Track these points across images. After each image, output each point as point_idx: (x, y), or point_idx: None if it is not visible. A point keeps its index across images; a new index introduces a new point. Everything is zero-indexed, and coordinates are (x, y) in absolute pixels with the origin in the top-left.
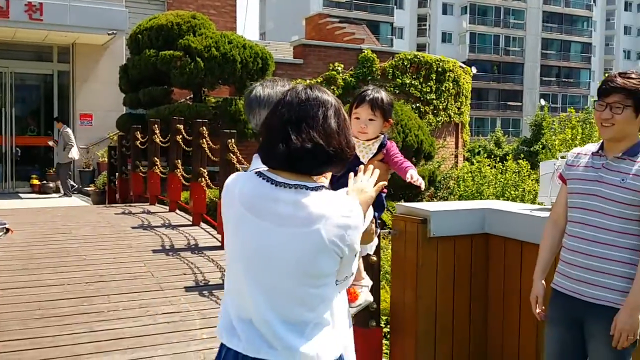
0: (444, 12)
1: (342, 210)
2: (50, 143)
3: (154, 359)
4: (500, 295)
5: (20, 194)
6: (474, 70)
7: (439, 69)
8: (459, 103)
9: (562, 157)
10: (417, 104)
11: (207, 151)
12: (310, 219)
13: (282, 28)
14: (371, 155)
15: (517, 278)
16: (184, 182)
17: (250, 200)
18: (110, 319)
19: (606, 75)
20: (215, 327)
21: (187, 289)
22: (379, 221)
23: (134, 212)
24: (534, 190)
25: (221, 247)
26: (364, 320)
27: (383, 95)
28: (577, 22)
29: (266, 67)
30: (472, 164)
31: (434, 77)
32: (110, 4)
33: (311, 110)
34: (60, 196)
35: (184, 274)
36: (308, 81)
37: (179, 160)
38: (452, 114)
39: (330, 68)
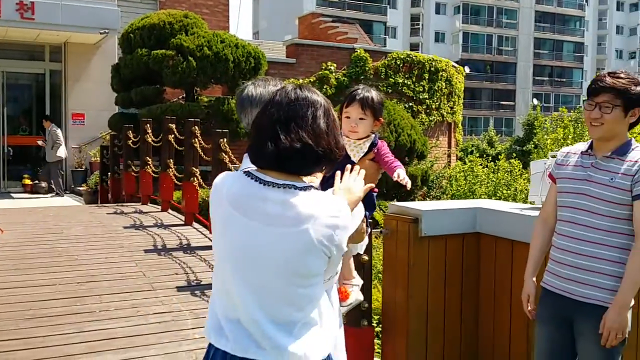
0: (437, 12)
1: (330, 210)
2: (39, 142)
3: (145, 359)
4: (492, 294)
5: (12, 194)
6: (466, 69)
7: (432, 69)
8: (452, 102)
9: (553, 157)
10: (410, 104)
11: (200, 151)
12: (299, 219)
13: (275, 27)
14: (362, 154)
15: (508, 277)
16: (176, 181)
17: (238, 200)
18: (102, 319)
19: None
20: None
21: (179, 288)
22: (369, 220)
23: (126, 212)
24: (526, 190)
25: None
26: (356, 320)
27: (373, 94)
28: (569, 21)
29: (259, 67)
30: (465, 163)
31: (427, 77)
32: (102, 3)
33: (300, 110)
34: (52, 196)
35: (176, 274)
36: (301, 80)
37: (171, 160)
38: (444, 113)
39: (323, 67)
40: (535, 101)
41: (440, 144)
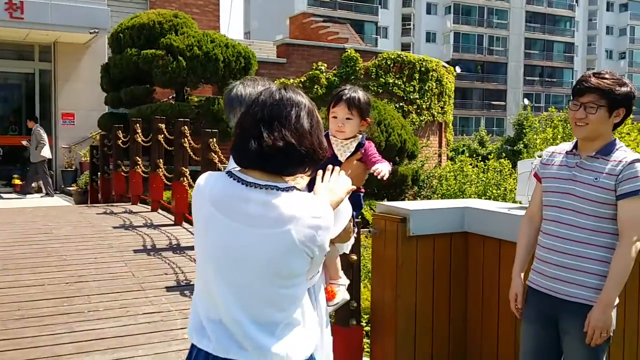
0: (428, 12)
1: (312, 211)
2: (24, 142)
3: (135, 359)
4: (479, 293)
5: (2, 194)
6: (457, 69)
7: (422, 69)
8: (442, 102)
9: (539, 156)
10: (401, 104)
11: (189, 150)
12: (281, 220)
13: (266, 27)
14: (349, 154)
15: (496, 276)
16: (166, 181)
17: (220, 201)
18: (91, 319)
19: None
20: None
21: (169, 288)
22: (357, 220)
23: (116, 212)
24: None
25: None
26: (345, 319)
27: (360, 94)
28: (559, 22)
29: (249, 67)
30: (455, 163)
31: (417, 77)
32: (92, 3)
33: (284, 109)
34: (42, 196)
35: (165, 274)
36: (291, 80)
37: (161, 160)
38: (435, 113)
39: (314, 67)
40: (526, 101)
41: (431, 144)
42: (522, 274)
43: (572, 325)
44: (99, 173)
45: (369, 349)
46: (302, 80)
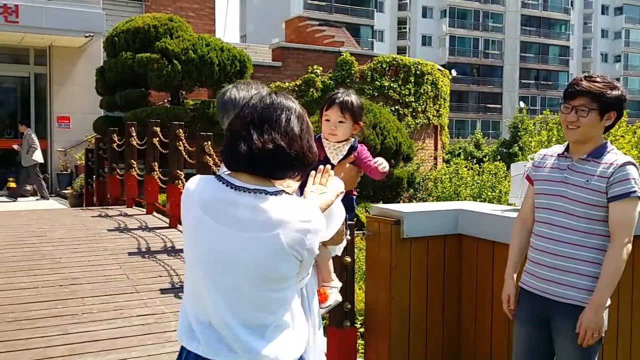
0: (424, 16)
1: (301, 215)
2: (15, 147)
3: None
4: (473, 294)
5: None
6: (453, 73)
7: (418, 72)
8: (438, 105)
9: (532, 159)
10: (396, 107)
11: (184, 154)
12: (270, 224)
13: (262, 31)
14: (341, 157)
15: (489, 278)
16: (161, 184)
17: (209, 205)
18: (85, 322)
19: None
20: None
21: (163, 291)
22: (350, 222)
23: (111, 215)
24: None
25: None
26: (339, 321)
27: (353, 98)
28: (555, 25)
29: (244, 70)
30: (450, 165)
31: (413, 80)
32: (87, 6)
33: (274, 113)
34: (37, 199)
35: (160, 276)
36: (287, 84)
37: (156, 163)
38: (430, 116)
39: (309, 71)
40: (522, 104)
41: (426, 147)
42: (515, 276)
43: (564, 326)
44: (94, 176)
45: (363, 350)
46: (298, 83)
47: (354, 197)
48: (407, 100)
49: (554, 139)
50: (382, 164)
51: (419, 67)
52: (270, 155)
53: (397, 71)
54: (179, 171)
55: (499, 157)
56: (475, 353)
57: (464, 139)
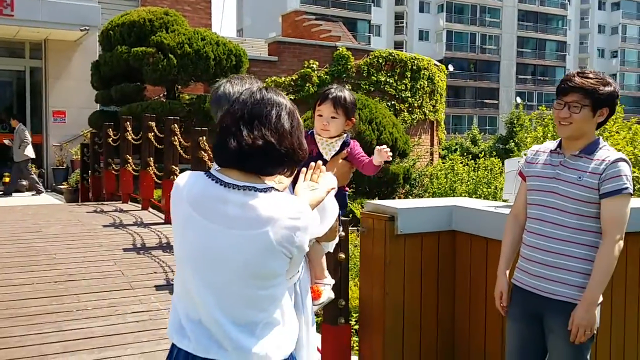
0: (421, 10)
1: (290, 212)
2: (6, 142)
3: (122, 358)
4: (467, 291)
5: None
6: (450, 68)
7: (414, 67)
8: (434, 101)
9: (525, 155)
10: (392, 102)
11: (179, 149)
12: (259, 221)
13: (259, 25)
14: (334, 153)
15: (483, 274)
16: (156, 180)
17: (198, 201)
18: (79, 318)
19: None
20: None
21: (158, 287)
22: (343, 219)
23: (106, 210)
24: None
25: None
26: (333, 318)
27: (346, 94)
28: (552, 20)
29: (240, 64)
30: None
31: (409, 75)
32: (83, 0)
33: (264, 109)
34: (33, 194)
35: (155, 273)
36: (283, 78)
37: (152, 158)
38: (427, 111)
39: (305, 65)
40: (519, 99)
41: (422, 142)
42: (507, 272)
43: (556, 323)
44: (89, 171)
45: (357, 347)
46: (294, 78)
47: (347, 192)
48: (403, 95)
49: (549, 135)
50: (388, 150)
51: (416, 62)
52: (260, 152)
53: (394, 66)
54: (174, 166)
55: (494, 153)
56: (469, 349)
57: (460, 134)
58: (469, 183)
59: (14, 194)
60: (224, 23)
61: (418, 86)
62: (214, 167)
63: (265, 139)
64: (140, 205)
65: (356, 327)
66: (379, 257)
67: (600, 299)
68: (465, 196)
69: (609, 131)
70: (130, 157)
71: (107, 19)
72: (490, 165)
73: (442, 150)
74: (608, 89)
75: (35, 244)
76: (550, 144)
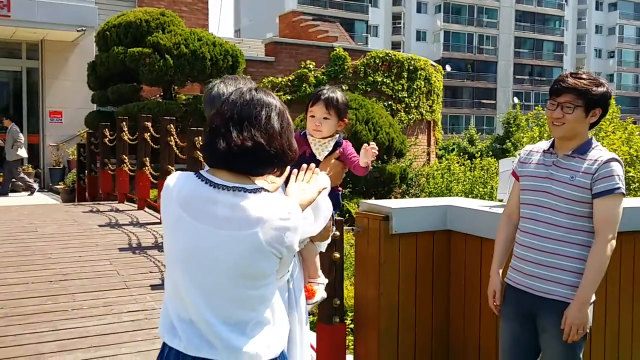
0: (418, 11)
1: (280, 212)
2: None
3: (118, 357)
4: (462, 290)
5: None
6: (447, 68)
7: (411, 67)
8: (431, 101)
9: (519, 155)
10: (389, 102)
11: (175, 149)
12: (248, 222)
13: (256, 25)
14: (327, 153)
15: (477, 273)
16: (152, 180)
17: (188, 202)
18: (75, 318)
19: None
20: None
21: (153, 287)
22: (337, 218)
23: (102, 210)
24: None
25: None
26: (328, 317)
27: (338, 95)
28: (549, 21)
29: (237, 65)
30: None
31: (406, 75)
32: (79, 0)
33: (254, 110)
34: (29, 194)
35: (150, 272)
36: (280, 79)
37: (148, 158)
38: (423, 111)
39: (302, 66)
40: (516, 99)
41: (419, 142)
42: (501, 272)
43: (549, 322)
44: (86, 171)
45: (352, 346)
46: (291, 78)
47: (340, 192)
48: (400, 95)
49: (545, 135)
50: (374, 147)
51: (412, 62)
52: (249, 153)
53: (390, 66)
54: (170, 166)
55: (491, 152)
56: (464, 348)
57: (458, 134)
58: (465, 183)
59: (10, 194)
60: (221, 24)
61: (415, 86)
62: (205, 168)
63: (254, 140)
64: (136, 205)
65: (351, 326)
66: (374, 257)
67: (593, 298)
68: (461, 196)
69: (605, 131)
70: (126, 157)
71: (103, 19)
72: (487, 165)
73: (440, 150)
74: (601, 89)
75: (31, 244)
76: (544, 144)
